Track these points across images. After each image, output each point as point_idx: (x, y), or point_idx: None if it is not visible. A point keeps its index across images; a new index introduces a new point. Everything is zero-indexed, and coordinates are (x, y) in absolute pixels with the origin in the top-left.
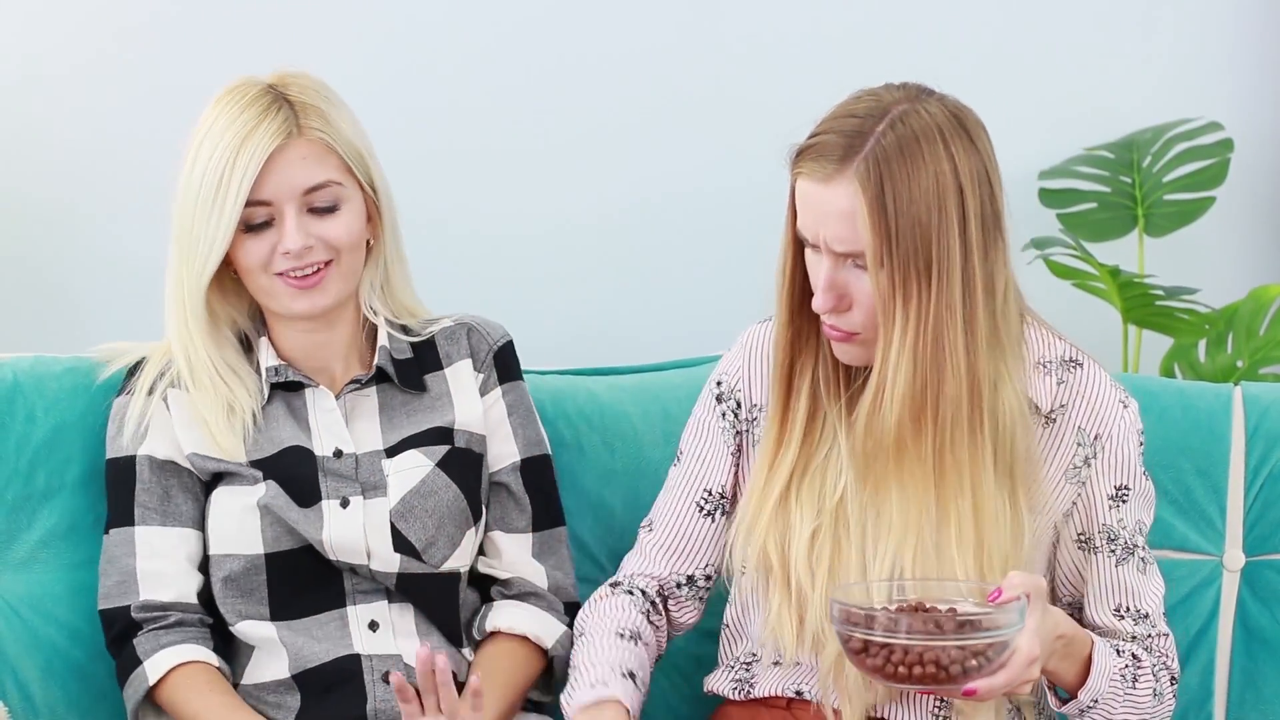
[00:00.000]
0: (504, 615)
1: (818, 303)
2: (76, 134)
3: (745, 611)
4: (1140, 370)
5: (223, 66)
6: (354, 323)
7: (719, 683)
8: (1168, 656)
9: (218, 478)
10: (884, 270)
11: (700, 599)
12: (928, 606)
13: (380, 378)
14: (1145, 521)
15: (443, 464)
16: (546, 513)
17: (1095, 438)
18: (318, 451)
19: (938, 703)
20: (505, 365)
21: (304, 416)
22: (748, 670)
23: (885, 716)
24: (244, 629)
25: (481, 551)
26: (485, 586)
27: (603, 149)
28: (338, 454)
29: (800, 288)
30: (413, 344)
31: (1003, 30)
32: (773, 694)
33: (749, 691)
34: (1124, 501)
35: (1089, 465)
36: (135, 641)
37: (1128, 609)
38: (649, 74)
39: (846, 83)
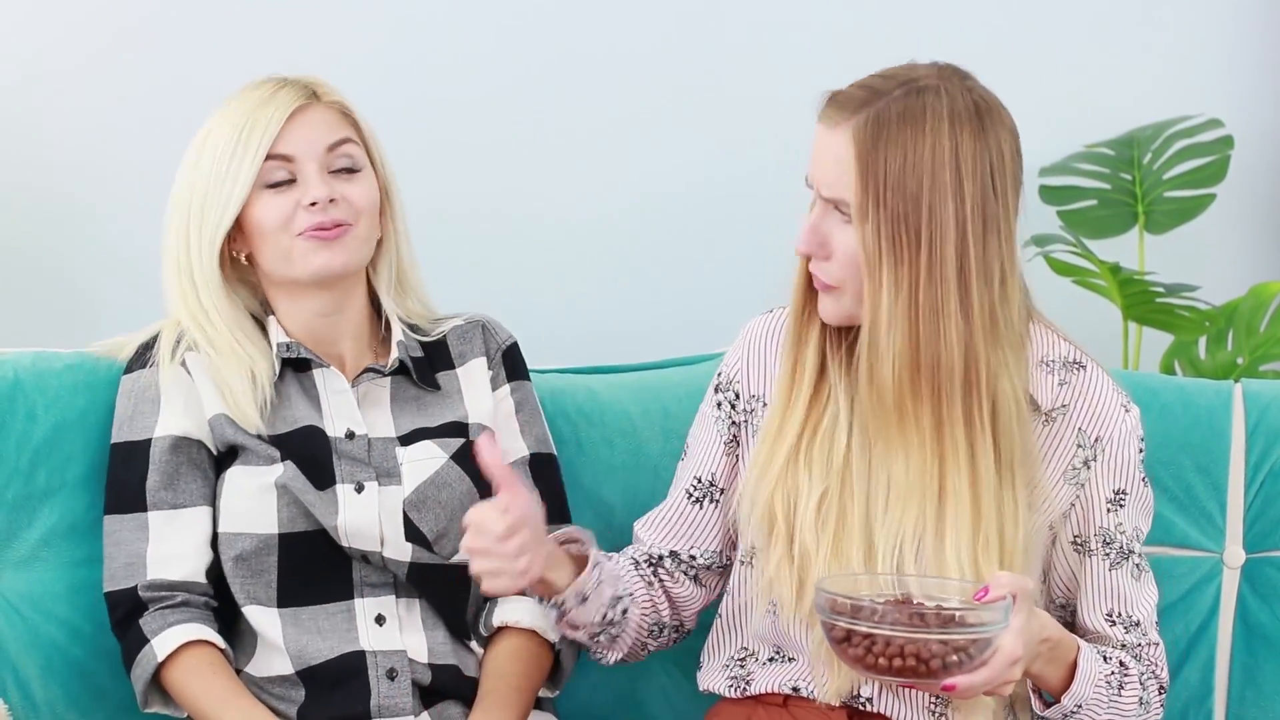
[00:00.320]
0: (510, 610)
1: (797, 242)
2: (78, 129)
3: (742, 610)
4: (1140, 367)
5: (223, 63)
6: (363, 310)
7: (714, 680)
8: (1157, 665)
9: (233, 454)
10: (869, 225)
11: (692, 578)
12: (915, 600)
13: (395, 371)
14: (1142, 529)
15: (457, 457)
16: (560, 515)
17: (1096, 440)
18: (330, 432)
19: (934, 699)
20: (513, 364)
21: (315, 396)
22: (743, 667)
23: (882, 712)
24: (251, 614)
25: None
26: None
27: (603, 147)
28: (350, 435)
29: None
30: (423, 343)
31: (1003, 27)
32: (769, 691)
33: (745, 689)
34: (1121, 506)
35: (1088, 467)
36: (142, 621)
37: (1120, 615)
38: (650, 71)
39: (847, 80)
